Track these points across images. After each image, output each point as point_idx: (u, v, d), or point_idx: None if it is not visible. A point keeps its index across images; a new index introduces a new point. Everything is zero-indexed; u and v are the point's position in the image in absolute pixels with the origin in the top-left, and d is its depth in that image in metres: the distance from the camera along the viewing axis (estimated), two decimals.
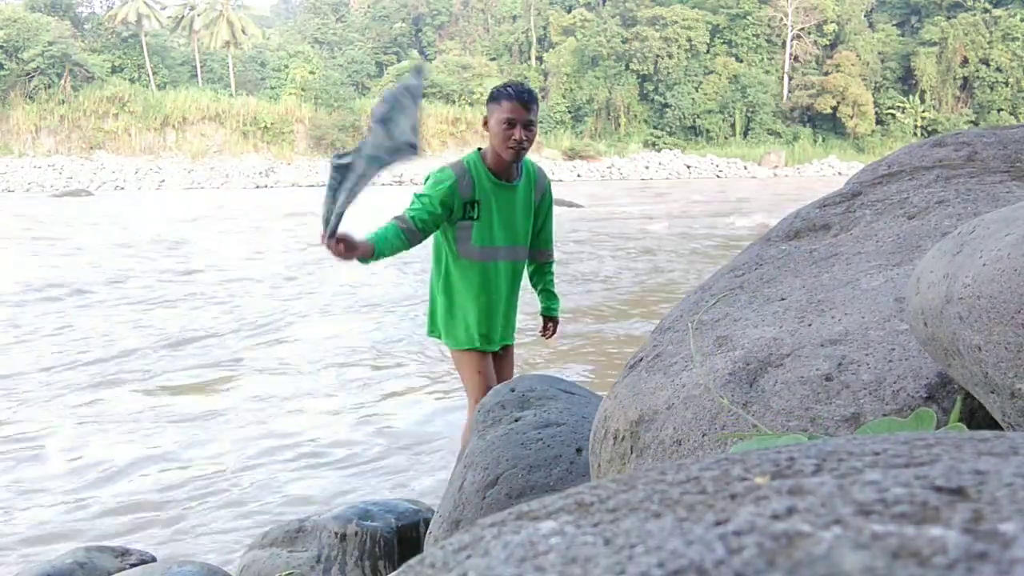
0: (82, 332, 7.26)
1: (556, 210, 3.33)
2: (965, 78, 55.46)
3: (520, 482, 1.80)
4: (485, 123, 2.76)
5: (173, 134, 44.45)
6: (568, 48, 55.13)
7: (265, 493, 3.78)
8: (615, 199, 26.97)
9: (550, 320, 3.16)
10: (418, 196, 2.72)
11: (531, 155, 2.91)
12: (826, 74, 54.65)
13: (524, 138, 2.70)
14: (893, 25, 59.22)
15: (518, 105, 2.68)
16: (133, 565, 2.49)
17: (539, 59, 58.27)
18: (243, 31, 52.86)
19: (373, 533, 2.28)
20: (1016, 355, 0.73)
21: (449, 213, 2.75)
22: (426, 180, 2.80)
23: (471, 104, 51.05)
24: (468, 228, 2.81)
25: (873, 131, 54.22)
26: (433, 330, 2.99)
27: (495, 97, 2.72)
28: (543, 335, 3.17)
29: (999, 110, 54.04)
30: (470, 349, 2.88)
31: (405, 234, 2.63)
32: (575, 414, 1.97)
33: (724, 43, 56.42)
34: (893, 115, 55.37)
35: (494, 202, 2.82)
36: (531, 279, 3.15)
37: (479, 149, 2.86)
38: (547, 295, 3.16)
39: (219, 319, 7.86)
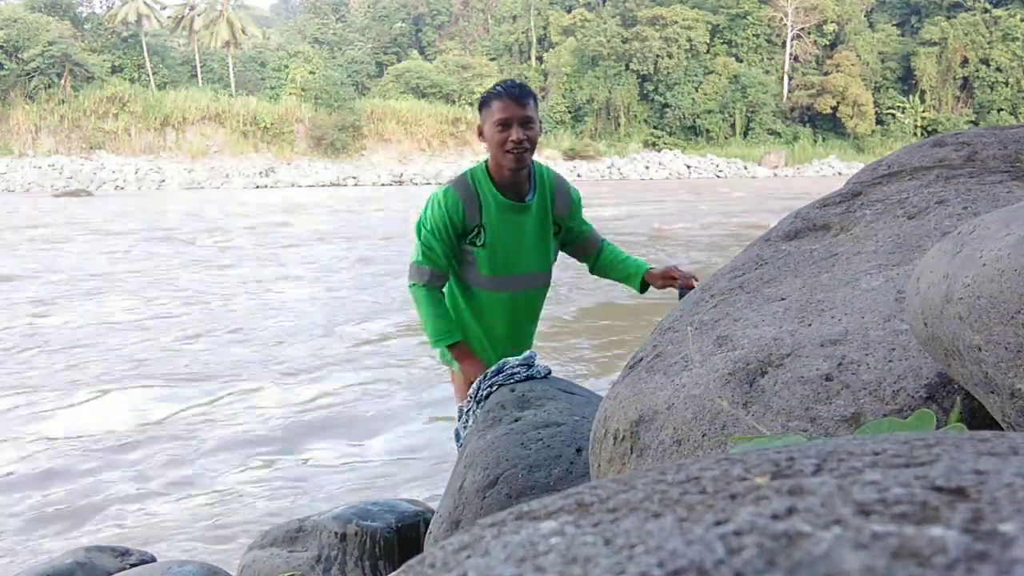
0: (81, 327, 7.26)
1: None
2: (965, 78, 55.50)
3: (520, 482, 1.80)
4: (480, 133, 2.41)
5: (173, 134, 44.47)
6: (568, 48, 55.15)
7: (265, 493, 3.78)
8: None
9: (661, 277, 2.55)
10: (424, 233, 2.40)
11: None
12: (826, 74, 54.69)
13: (524, 138, 2.31)
14: (893, 25, 59.27)
15: (510, 102, 2.30)
16: (133, 565, 2.49)
17: (539, 59, 58.31)
18: (243, 31, 52.88)
19: (373, 533, 2.27)
20: (1016, 355, 0.73)
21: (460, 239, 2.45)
22: (427, 205, 2.44)
23: (471, 104, 51.06)
24: (472, 253, 2.45)
25: (873, 131, 54.28)
26: None
27: (485, 101, 2.37)
28: (676, 285, 2.48)
29: (999, 110, 54.08)
30: None
31: (434, 292, 2.39)
32: (575, 414, 1.97)
33: (724, 43, 56.47)
34: (893, 115, 55.42)
35: (503, 227, 2.44)
36: (601, 270, 2.70)
37: (485, 162, 2.47)
38: (629, 264, 2.64)
39: (223, 321, 7.86)
